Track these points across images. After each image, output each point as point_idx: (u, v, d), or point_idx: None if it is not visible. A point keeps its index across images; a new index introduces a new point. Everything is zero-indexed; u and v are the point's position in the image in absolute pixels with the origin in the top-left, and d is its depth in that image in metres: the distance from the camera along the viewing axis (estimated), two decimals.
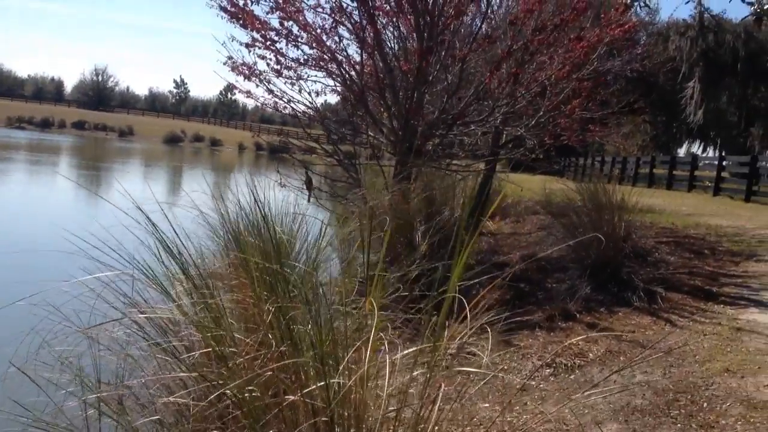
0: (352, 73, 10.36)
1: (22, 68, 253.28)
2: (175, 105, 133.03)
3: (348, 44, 10.50)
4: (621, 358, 5.22)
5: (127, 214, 3.09)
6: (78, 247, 3.03)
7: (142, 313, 2.90)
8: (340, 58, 10.37)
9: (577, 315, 6.48)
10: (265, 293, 2.80)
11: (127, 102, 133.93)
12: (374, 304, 2.81)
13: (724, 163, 21.41)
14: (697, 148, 47.91)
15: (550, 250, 9.64)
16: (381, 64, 10.26)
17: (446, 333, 2.92)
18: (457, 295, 2.77)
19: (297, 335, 2.61)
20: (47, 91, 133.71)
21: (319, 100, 10.77)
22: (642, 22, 41.80)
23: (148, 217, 2.94)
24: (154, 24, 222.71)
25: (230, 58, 10.50)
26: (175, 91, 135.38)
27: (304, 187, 10.92)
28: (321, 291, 3.33)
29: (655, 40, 42.79)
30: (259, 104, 11.07)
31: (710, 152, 45.72)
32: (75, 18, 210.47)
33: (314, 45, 10.31)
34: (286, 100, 10.64)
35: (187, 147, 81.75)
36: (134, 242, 3.11)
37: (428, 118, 10.54)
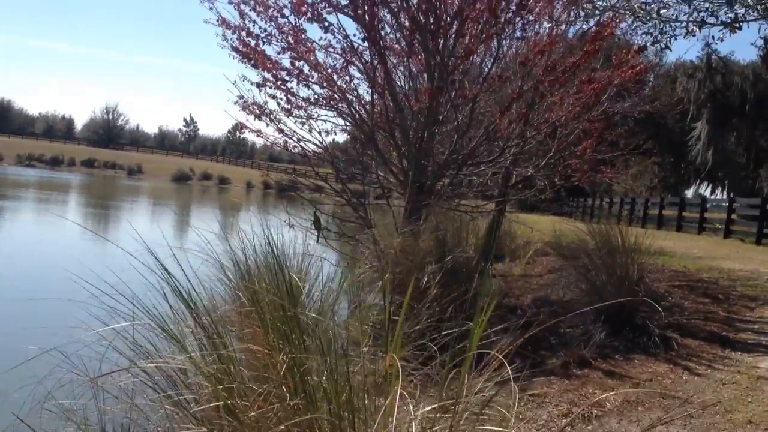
0: (363, 112, 10.35)
1: (33, 106, 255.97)
2: (185, 143, 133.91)
3: (358, 83, 10.50)
4: (639, 408, 5.07)
5: (137, 258, 3.01)
6: (89, 293, 2.95)
7: (151, 362, 2.80)
8: (351, 97, 10.38)
9: (593, 362, 6.33)
10: (279, 342, 2.70)
11: (136, 140, 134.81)
12: (397, 361, 2.69)
13: (734, 204, 21.27)
14: (705, 190, 47.85)
15: (564, 294, 9.54)
16: (391, 104, 10.24)
17: (465, 387, 2.80)
18: (475, 352, 2.66)
19: (311, 387, 2.51)
20: (58, 129, 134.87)
21: (329, 139, 10.72)
22: (650, 64, 42.13)
23: (160, 263, 2.86)
24: (164, 63, 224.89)
25: (241, 97, 10.54)
26: (184, 129, 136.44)
27: (313, 227, 10.84)
28: (336, 341, 3.21)
29: (663, 82, 43.04)
30: (268, 143, 11.05)
31: (718, 194, 45.65)
32: (86, 57, 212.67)
33: (325, 84, 10.33)
34: (296, 139, 10.64)
35: (196, 185, 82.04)
36: (144, 287, 3.03)
37: (438, 158, 10.51)
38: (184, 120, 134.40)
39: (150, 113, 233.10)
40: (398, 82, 10.60)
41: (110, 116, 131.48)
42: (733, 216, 20.89)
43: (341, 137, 11.32)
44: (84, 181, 68.12)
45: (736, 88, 39.16)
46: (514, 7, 9.03)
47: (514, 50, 11.30)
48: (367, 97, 10.38)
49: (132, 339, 2.83)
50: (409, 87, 10.71)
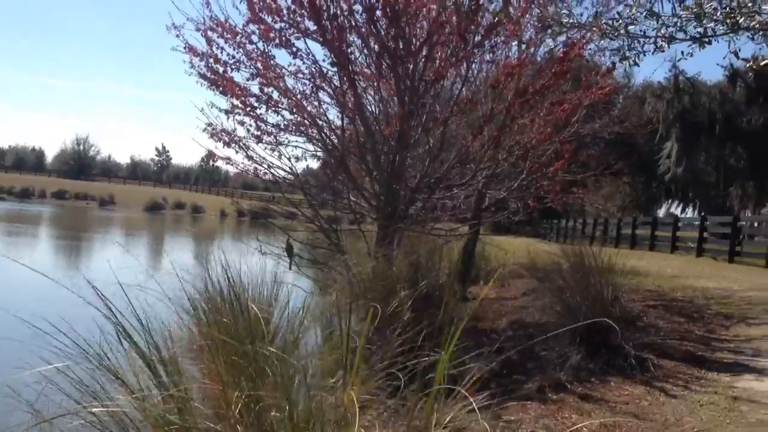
0: (333, 137, 10.27)
1: (2, 139, 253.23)
2: (157, 172, 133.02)
3: (327, 108, 10.44)
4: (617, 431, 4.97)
5: (82, 295, 2.86)
6: (34, 332, 2.79)
7: (97, 405, 2.64)
8: (321, 122, 10.31)
9: (569, 385, 6.22)
10: (234, 378, 2.56)
11: (108, 170, 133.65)
12: (354, 399, 2.57)
13: (706, 223, 21.43)
14: (676, 209, 48.31)
15: (539, 317, 9.45)
16: (362, 128, 10.17)
17: (433, 418, 2.68)
18: (443, 386, 2.54)
19: (268, 425, 2.37)
20: (28, 161, 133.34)
21: (300, 165, 10.64)
22: (618, 85, 42.63)
23: (104, 300, 2.71)
24: (135, 92, 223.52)
25: (210, 124, 10.41)
26: (156, 158, 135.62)
27: (285, 254, 10.70)
28: (299, 374, 3.07)
29: (631, 103, 43.53)
30: (238, 170, 10.92)
31: (689, 212, 46.07)
32: (55, 88, 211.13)
33: (295, 110, 10.25)
34: (266, 166, 10.53)
35: (169, 214, 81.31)
36: (95, 325, 2.88)
37: (410, 182, 10.44)
38: (156, 149, 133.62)
39: (122, 143, 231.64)
40: (369, 107, 10.54)
41: (81, 147, 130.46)
42: (705, 234, 21.05)
43: (313, 163, 11.19)
44: (53, 213, 67.22)
45: (704, 108, 39.66)
46: (482, 31, 9.02)
47: (484, 73, 11.29)
48: (338, 122, 10.30)
49: (78, 379, 2.68)
50: (380, 111, 10.65)
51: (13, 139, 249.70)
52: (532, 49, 10.70)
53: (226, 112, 10.16)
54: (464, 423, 4.45)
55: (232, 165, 10.72)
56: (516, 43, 10.55)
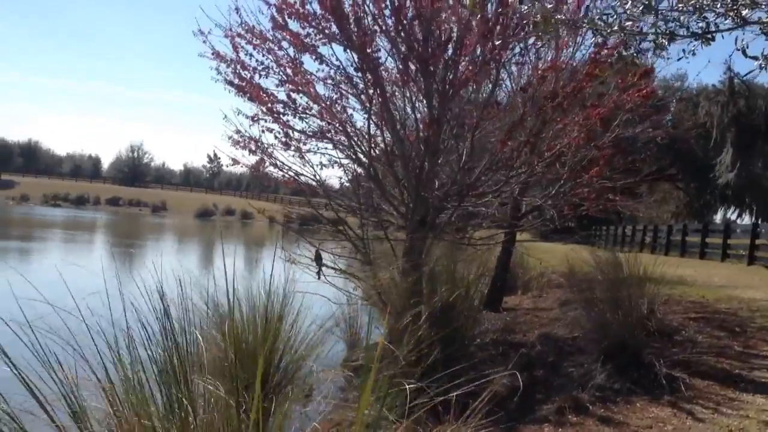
0: (364, 144, 10.05)
1: (61, 146, 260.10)
2: (209, 179, 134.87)
3: (352, 114, 10.21)
4: None
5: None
6: None
7: None
8: (350, 129, 10.09)
9: (590, 407, 5.87)
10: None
11: (162, 177, 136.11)
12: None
13: (759, 230, 20.60)
14: (732, 214, 46.92)
15: (571, 330, 9.07)
16: (390, 135, 9.94)
17: None
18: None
19: None
20: (85, 168, 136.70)
21: (327, 173, 10.46)
22: (670, 88, 41.64)
23: None
24: (186, 100, 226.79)
25: (238, 131, 10.27)
26: (208, 165, 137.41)
27: (315, 263, 10.53)
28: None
29: (684, 106, 42.49)
30: (261, 176, 10.76)
31: (746, 218, 44.66)
32: (112, 96, 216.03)
33: (326, 116, 10.05)
34: (294, 174, 10.36)
35: (219, 221, 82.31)
36: None
37: (440, 190, 10.15)
38: (208, 156, 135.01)
39: (176, 150, 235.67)
40: (397, 113, 10.28)
41: (135, 154, 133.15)
42: (758, 242, 20.24)
43: (337, 172, 10.96)
44: (105, 220, 68.49)
45: (761, 112, 38.45)
46: (510, 32, 8.71)
47: (516, 76, 10.96)
48: (365, 129, 10.08)
49: None
50: (407, 116, 10.39)
51: (71, 146, 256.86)
52: (565, 51, 10.28)
53: (252, 118, 10.00)
54: None
55: (258, 173, 10.57)
56: (549, 45, 10.17)
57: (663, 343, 7.70)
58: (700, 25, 2.91)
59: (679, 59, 3.16)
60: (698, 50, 3.10)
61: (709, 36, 2.93)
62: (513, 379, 7.23)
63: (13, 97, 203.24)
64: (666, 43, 3.06)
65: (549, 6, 3.17)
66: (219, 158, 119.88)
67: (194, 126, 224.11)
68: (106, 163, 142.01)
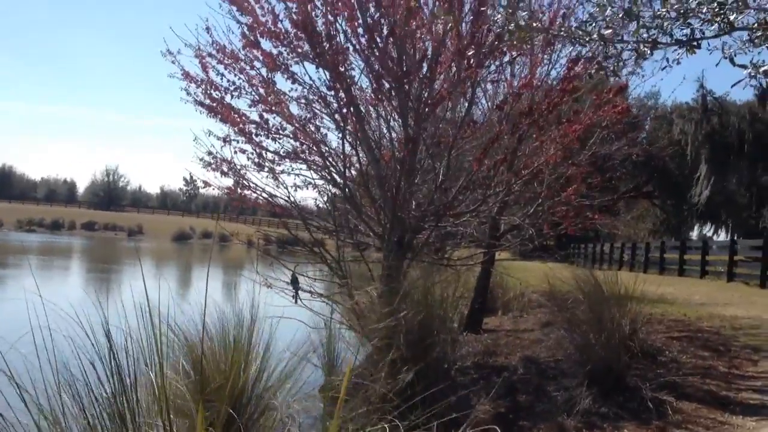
0: (339, 165, 9.85)
1: (35, 171, 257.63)
2: (186, 202, 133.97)
3: (326, 134, 10.00)
4: None
5: None
6: None
7: None
8: (324, 149, 9.89)
9: None
10: None
11: (138, 201, 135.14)
12: None
13: (736, 246, 20.62)
14: (708, 231, 47.24)
15: (555, 352, 8.87)
16: (365, 155, 9.74)
17: None
18: None
19: None
20: (60, 192, 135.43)
21: (302, 194, 10.21)
22: (644, 106, 41.92)
23: None
24: (162, 123, 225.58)
25: (210, 153, 10.03)
26: (185, 188, 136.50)
27: (291, 286, 10.29)
28: None
29: (659, 124, 42.81)
30: (235, 198, 10.52)
31: (722, 234, 45.00)
32: (85, 120, 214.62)
33: (300, 137, 9.84)
34: (267, 195, 10.13)
35: (196, 244, 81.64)
36: None
37: (416, 210, 9.96)
38: (184, 179, 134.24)
39: (152, 173, 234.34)
40: (371, 132, 10.10)
41: (110, 178, 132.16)
42: (736, 258, 20.25)
43: (310, 193, 10.69)
44: (78, 245, 67.68)
45: (734, 129, 38.84)
46: (486, 50, 8.58)
47: (491, 94, 10.84)
48: (340, 149, 9.88)
49: None
50: (383, 136, 10.20)
51: (45, 171, 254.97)
52: (540, 68, 10.20)
53: (224, 140, 9.76)
54: None
55: (231, 194, 10.33)
56: (524, 62, 10.09)
57: (647, 365, 7.52)
58: (685, 32, 2.75)
59: (663, 68, 3.00)
60: (682, 58, 2.93)
61: (695, 44, 2.76)
62: (496, 405, 7.02)
63: None
64: (648, 51, 2.88)
65: (523, 14, 3.00)
66: (195, 181, 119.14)
67: (170, 148, 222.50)
68: (81, 188, 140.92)
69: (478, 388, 7.69)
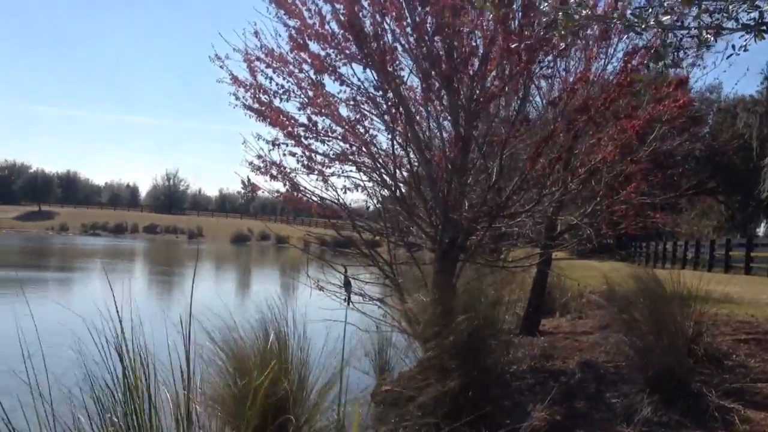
0: (390, 166, 9.70)
1: (99, 176, 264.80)
2: (244, 205, 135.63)
3: (376, 135, 9.86)
4: None
5: None
6: None
7: None
8: (374, 150, 9.75)
9: None
10: None
11: (198, 204, 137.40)
12: None
13: None
14: None
15: (614, 356, 8.55)
16: (416, 155, 9.57)
17: None
18: None
19: None
20: (123, 197, 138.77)
21: (352, 197, 10.05)
22: (707, 99, 40.76)
23: None
24: (220, 128, 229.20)
25: (259, 156, 9.98)
26: (242, 191, 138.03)
27: (343, 289, 10.18)
28: None
29: (722, 118, 41.60)
30: (299, 201, 10.46)
31: None
32: (146, 126, 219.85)
33: (350, 139, 9.72)
34: (316, 198, 10.04)
35: (254, 245, 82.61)
36: None
37: (470, 211, 9.74)
38: (242, 182, 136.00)
39: (212, 177, 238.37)
40: (422, 132, 9.92)
41: (170, 182, 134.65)
42: None
43: (363, 196, 10.52)
44: (141, 248, 69.05)
45: None
46: (536, 43, 8.31)
47: (545, 90, 10.54)
48: (390, 150, 9.73)
49: None
50: (433, 136, 10.00)
51: (109, 176, 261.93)
52: (596, 63, 9.87)
53: (272, 143, 9.70)
54: None
55: (283, 197, 10.29)
56: (579, 56, 9.78)
57: (712, 370, 7.16)
58: (752, 15, 2.51)
59: (728, 57, 2.74)
60: (750, 44, 2.67)
61: (764, 28, 2.51)
62: (552, 412, 6.77)
63: (50, 131, 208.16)
64: (711, 38, 2.64)
65: (573, 2, 2.79)
66: (253, 183, 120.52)
67: (229, 153, 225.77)
68: (143, 192, 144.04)
69: (533, 394, 7.45)
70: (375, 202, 10.33)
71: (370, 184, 9.99)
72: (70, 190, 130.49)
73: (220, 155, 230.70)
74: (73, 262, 42.41)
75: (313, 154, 9.81)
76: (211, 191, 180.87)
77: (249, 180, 10.17)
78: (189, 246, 77.56)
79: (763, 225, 47.43)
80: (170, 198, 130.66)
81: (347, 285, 10.25)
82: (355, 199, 10.42)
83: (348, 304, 10.01)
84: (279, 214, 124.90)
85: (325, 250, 13.45)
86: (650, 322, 7.07)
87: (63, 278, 30.21)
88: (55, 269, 34.78)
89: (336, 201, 9.84)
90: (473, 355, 6.54)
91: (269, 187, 10.07)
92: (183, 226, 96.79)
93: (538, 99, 11.17)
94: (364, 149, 9.68)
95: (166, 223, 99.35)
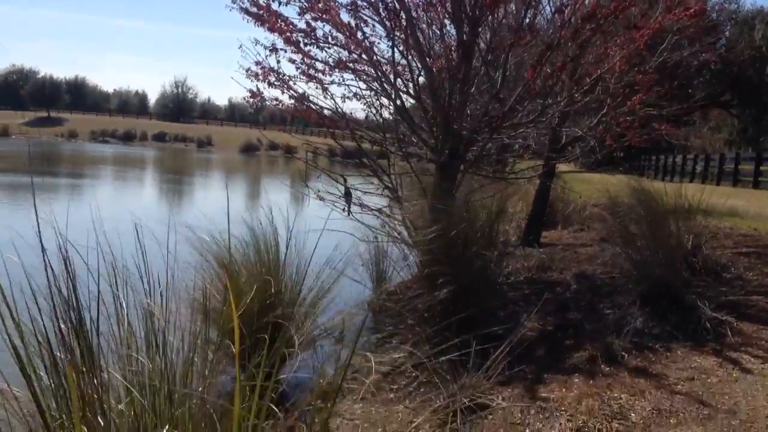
0: (391, 75, 9.47)
1: (108, 83, 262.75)
2: (254, 114, 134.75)
3: (378, 42, 9.59)
4: (671, 419, 4.13)
5: None
6: None
7: None
8: (375, 58, 9.50)
9: (625, 355, 5.35)
10: None
11: (207, 113, 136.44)
12: None
13: None
14: None
15: (612, 268, 8.53)
16: (417, 63, 9.33)
17: None
18: None
19: None
20: (132, 104, 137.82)
21: (351, 106, 9.87)
22: (725, 10, 39.64)
23: None
24: (231, 36, 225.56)
25: (258, 63, 9.75)
26: (251, 100, 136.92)
27: (344, 200, 10.13)
28: None
29: (740, 30, 40.53)
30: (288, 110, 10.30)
31: None
32: (160, 33, 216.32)
33: (349, 45, 9.46)
34: (317, 106, 9.87)
35: (263, 155, 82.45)
36: None
37: (472, 121, 9.56)
38: (251, 91, 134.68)
39: (221, 85, 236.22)
40: (424, 40, 9.64)
41: (179, 90, 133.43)
42: None
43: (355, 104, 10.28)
44: (151, 155, 69.05)
45: None
46: None
47: None
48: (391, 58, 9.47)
49: None
50: (436, 43, 9.73)
51: (118, 83, 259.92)
52: None
53: (271, 49, 9.45)
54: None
55: (281, 106, 10.12)
56: None
57: (709, 282, 7.14)
58: None
59: None
60: None
61: None
62: (545, 323, 6.79)
63: (58, 35, 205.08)
64: None
65: None
66: (262, 93, 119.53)
67: (238, 60, 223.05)
68: (153, 100, 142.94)
69: (528, 305, 7.46)
70: (374, 111, 10.14)
71: (368, 93, 9.79)
72: (78, 96, 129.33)
73: (229, 64, 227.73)
74: (84, 169, 42.48)
75: (313, 62, 9.59)
76: (221, 100, 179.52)
77: (258, 89, 9.98)
78: (198, 154, 77.56)
79: None
80: (179, 106, 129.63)
81: (347, 195, 10.20)
82: (355, 108, 10.25)
83: (348, 213, 9.98)
84: (289, 124, 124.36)
85: (333, 161, 13.37)
86: (647, 235, 7.00)
87: (72, 184, 30.28)
88: (66, 176, 34.85)
89: (336, 110, 9.67)
90: (467, 264, 6.50)
91: (268, 95, 9.90)
92: (192, 135, 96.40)
93: (548, 8, 10.80)
94: (364, 56, 9.44)
95: (175, 132, 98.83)
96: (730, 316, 5.85)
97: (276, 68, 9.57)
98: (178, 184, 36.80)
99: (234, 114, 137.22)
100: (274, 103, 10.06)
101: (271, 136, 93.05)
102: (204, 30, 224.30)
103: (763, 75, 38.43)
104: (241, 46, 9.45)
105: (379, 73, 9.48)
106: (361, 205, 9.74)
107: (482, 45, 9.17)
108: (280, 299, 6.05)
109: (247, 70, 9.60)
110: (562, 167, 17.88)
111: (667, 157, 36.48)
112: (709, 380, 4.71)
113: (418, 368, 5.43)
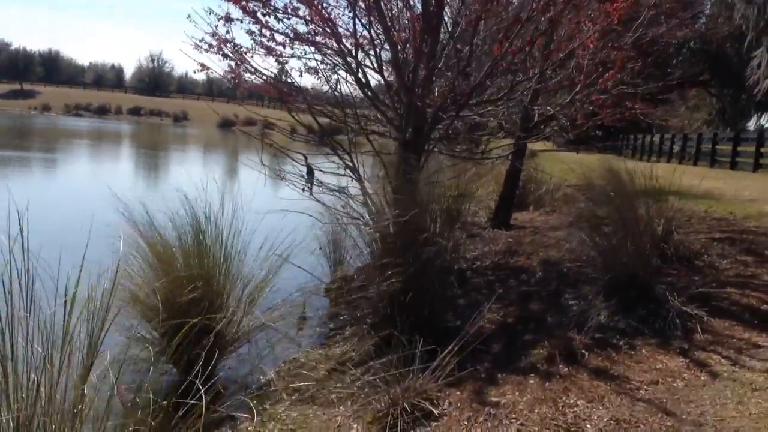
0: (353, 48, 8.97)
1: (83, 56, 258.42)
2: (232, 89, 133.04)
3: (342, 14, 9.10)
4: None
5: None
6: None
7: None
8: (341, 30, 9.00)
9: (586, 354, 4.95)
10: None
11: (185, 87, 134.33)
12: None
13: None
14: (766, 122, 44.92)
15: (580, 254, 8.14)
16: (381, 36, 8.85)
17: None
18: None
19: None
20: (108, 78, 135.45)
21: (310, 80, 9.42)
22: None
23: None
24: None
25: (214, 34, 9.22)
26: (230, 76, 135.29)
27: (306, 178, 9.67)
28: None
29: (719, 9, 40.17)
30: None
31: None
32: (135, 5, 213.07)
33: (310, 16, 8.94)
34: (273, 79, 9.39)
35: (238, 131, 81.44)
36: None
37: (438, 98, 9.11)
38: (229, 66, 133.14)
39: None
40: (388, 12, 9.14)
41: (155, 64, 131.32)
42: None
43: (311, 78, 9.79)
44: (122, 130, 68.00)
45: None
46: None
47: None
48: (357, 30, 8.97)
49: None
50: (400, 15, 9.24)
51: (94, 56, 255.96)
52: None
53: (225, 18, 8.91)
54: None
55: (234, 78, 9.62)
56: None
57: (681, 271, 6.76)
58: None
59: None
60: None
61: None
62: (505, 314, 6.40)
63: (30, 2, 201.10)
64: None
65: None
66: (202, 63, 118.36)
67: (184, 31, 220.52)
68: (129, 74, 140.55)
69: (491, 293, 7.06)
70: (332, 87, 9.62)
71: (323, 67, 9.30)
72: (52, 69, 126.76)
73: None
74: (54, 143, 41.58)
75: (271, 33, 9.06)
76: (199, 75, 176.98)
77: (237, 64, 9.49)
78: (174, 129, 76.49)
79: (754, 120, 46.70)
80: (155, 80, 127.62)
81: (309, 173, 9.75)
82: (315, 84, 9.78)
83: (310, 193, 9.53)
84: (267, 100, 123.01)
85: (293, 138, 12.85)
86: (616, 219, 6.58)
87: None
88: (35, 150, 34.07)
89: (293, 84, 9.18)
90: (418, 251, 6.02)
91: (222, 67, 9.40)
92: (168, 109, 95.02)
93: None
94: (327, 28, 8.94)
95: (151, 106, 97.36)
96: (701, 310, 5.45)
97: (231, 39, 9.05)
98: (137, 159, 36.10)
99: (212, 89, 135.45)
100: (228, 75, 9.50)
101: (242, 111, 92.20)
102: (184, 2, 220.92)
103: (742, 54, 38.13)
104: (189, 16, 8.85)
105: (342, 46, 8.99)
106: (321, 183, 9.27)
107: (449, 17, 8.69)
108: (210, 287, 5.58)
109: (200, 40, 9.03)
110: (537, 146, 17.50)
111: (645, 137, 36.22)
112: (674, 384, 4.31)
113: (363, 366, 5.03)
